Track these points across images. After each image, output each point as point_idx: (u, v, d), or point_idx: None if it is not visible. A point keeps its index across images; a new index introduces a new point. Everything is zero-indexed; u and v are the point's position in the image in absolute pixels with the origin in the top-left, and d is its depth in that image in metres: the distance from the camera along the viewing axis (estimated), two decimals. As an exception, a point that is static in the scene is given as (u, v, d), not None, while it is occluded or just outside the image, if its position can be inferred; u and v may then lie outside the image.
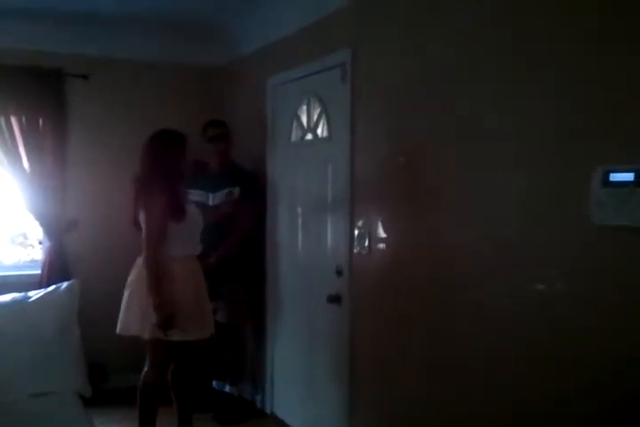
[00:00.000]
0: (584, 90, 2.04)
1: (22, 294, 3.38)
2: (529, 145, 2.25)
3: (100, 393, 3.85)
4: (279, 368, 4.10)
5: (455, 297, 2.58)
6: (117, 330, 3.18)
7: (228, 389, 4.26)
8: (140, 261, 3.18)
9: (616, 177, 1.90)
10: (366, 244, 3.13)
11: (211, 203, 4.01)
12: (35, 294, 3.36)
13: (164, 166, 3.16)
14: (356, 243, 3.20)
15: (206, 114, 4.57)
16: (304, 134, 3.83)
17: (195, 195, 3.94)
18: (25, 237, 4.88)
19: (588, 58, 2.03)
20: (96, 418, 3.30)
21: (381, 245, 3.08)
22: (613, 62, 1.95)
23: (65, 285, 3.46)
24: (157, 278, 3.06)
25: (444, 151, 2.66)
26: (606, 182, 1.92)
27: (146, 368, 3.28)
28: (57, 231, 4.35)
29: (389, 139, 3.00)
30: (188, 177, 3.36)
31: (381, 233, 3.07)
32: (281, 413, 4.08)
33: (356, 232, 3.20)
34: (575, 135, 2.07)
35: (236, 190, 4.04)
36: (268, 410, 4.18)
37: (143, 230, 3.12)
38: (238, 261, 4.12)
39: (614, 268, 1.95)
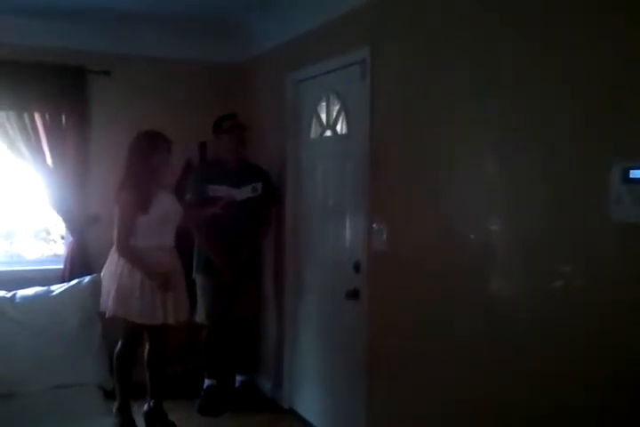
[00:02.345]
0: (605, 87, 2.03)
1: (45, 288, 3.43)
2: (548, 140, 2.24)
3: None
4: (298, 364, 4.12)
5: (473, 292, 2.59)
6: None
7: (238, 378, 4.32)
8: (112, 250, 3.52)
9: (636, 174, 1.90)
10: (384, 239, 3.14)
11: (239, 198, 4.04)
12: (57, 288, 3.40)
13: (136, 164, 3.50)
14: (374, 239, 3.21)
15: (226, 111, 4.59)
16: (323, 131, 3.84)
17: (218, 191, 4.00)
18: (48, 232, 4.94)
19: (609, 56, 2.02)
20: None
21: (399, 241, 3.08)
22: (636, 61, 1.94)
23: (87, 279, 3.50)
24: (136, 258, 3.41)
25: (462, 147, 2.66)
26: (626, 179, 1.92)
27: (119, 344, 3.60)
28: (79, 226, 4.40)
29: (407, 135, 3.01)
30: (165, 176, 3.66)
31: (399, 229, 3.08)
32: (300, 408, 4.11)
33: (375, 228, 3.21)
34: (596, 131, 2.06)
35: (259, 186, 4.09)
36: (286, 405, 4.21)
37: (115, 222, 3.46)
38: (257, 255, 4.20)
39: (633, 264, 1.95)
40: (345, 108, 3.57)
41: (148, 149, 3.56)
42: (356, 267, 3.36)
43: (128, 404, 3.57)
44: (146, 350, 3.72)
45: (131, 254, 3.43)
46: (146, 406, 3.75)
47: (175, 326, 3.63)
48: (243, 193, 4.06)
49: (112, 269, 3.48)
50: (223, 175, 4.07)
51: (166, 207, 3.56)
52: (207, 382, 4.26)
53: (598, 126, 2.06)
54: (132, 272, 3.41)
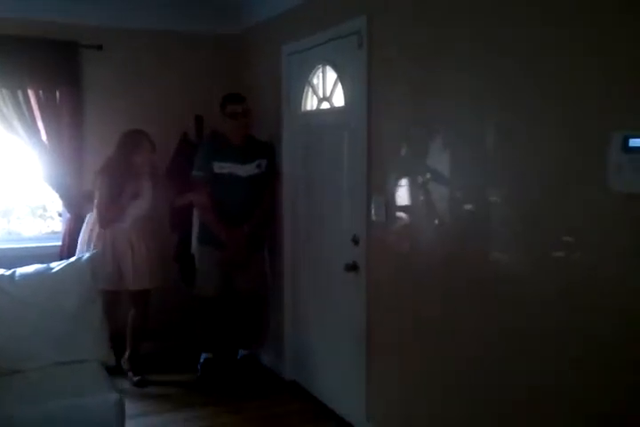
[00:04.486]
0: (604, 57, 2.00)
1: (45, 265, 3.42)
2: (547, 111, 2.22)
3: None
4: (299, 337, 4.15)
5: (473, 265, 2.59)
6: None
7: (240, 352, 4.36)
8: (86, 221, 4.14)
9: (636, 142, 1.88)
10: (384, 212, 3.13)
11: (243, 174, 4.06)
12: (57, 265, 3.39)
13: (116, 160, 4.02)
14: (373, 211, 3.20)
15: (221, 83, 4.57)
16: (319, 102, 3.81)
17: (224, 167, 4.03)
18: (45, 209, 4.93)
19: (610, 28, 1.99)
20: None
21: (399, 213, 3.08)
22: (633, 33, 1.91)
23: (86, 256, 3.50)
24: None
25: (462, 118, 2.63)
26: (626, 148, 1.90)
27: None
28: (75, 203, 4.38)
29: (406, 106, 2.98)
30: (142, 171, 4.06)
31: (399, 201, 3.07)
32: (301, 380, 4.14)
33: (373, 200, 3.20)
34: (595, 101, 2.04)
35: (264, 162, 4.10)
36: (288, 378, 4.24)
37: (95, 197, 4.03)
38: (261, 230, 4.21)
39: (633, 234, 1.94)
40: (341, 79, 3.53)
41: (129, 150, 4.01)
42: (355, 240, 3.36)
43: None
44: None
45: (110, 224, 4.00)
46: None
47: (145, 292, 4.13)
48: (247, 170, 4.06)
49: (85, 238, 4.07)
50: (229, 152, 4.07)
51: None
52: (204, 355, 4.29)
53: (597, 96, 2.03)
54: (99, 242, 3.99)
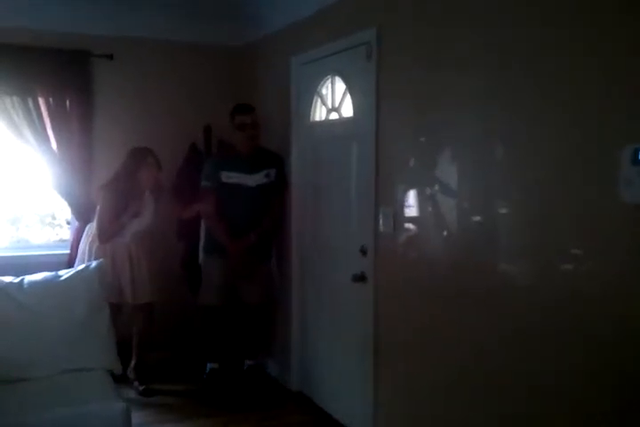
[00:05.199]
0: (614, 68, 2.01)
1: (53, 273, 3.43)
2: (558, 122, 2.22)
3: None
4: (305, 347, 4.14)
5: (481, 275, 2.58)
6: None
7: (246, 363, 4.35)
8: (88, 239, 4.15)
9: (646, 155, 1.88)
10: (391, 222, 3.13)
11: (252, 184, 4.07)
12: (65, 273, 3.40)
13: (122, 176, 4.04)
14: (381, 222, 3.20)
15: (231, 93, 4.59)
16: (328, 113, 3.82)
17: (232, 177, 4.04)
18: (53, 217, 4.95)
19: (618, 39, 2.00)
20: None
21: (407, 224, 3.07)
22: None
23: (94, 264, 3.51)
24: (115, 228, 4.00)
25: (471, 129, 2.63)
26: (636, 160, 1.89)
27: None
28: (84, 211, 4.39)
29: (414, 116, 2.98)
30: (147, 185, 4.10)
31: (406, 211, 3.07)
32: (307, 391, 4.13)
33: (381, 211, 3.20)
34: (606, 113, 2.04)
35: (273, 172, 4.11)
36: (294, 389, 4.22)
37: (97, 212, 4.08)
38: (269, 240, 4.21)
39: (643, 246, 1.94)
40: (350, 90, 3.54)
41: (134, 167, 4.04)
42: (363, 250, 3.36)
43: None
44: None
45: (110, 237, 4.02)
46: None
47: (146, 305, 4.14)
48: (256, 179, 4.07)
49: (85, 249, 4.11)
50: (237, 162, 4.08)
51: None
52: (210, 365, 4.28)
53: (608, 108, 2.03)
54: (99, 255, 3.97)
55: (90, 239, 4.12)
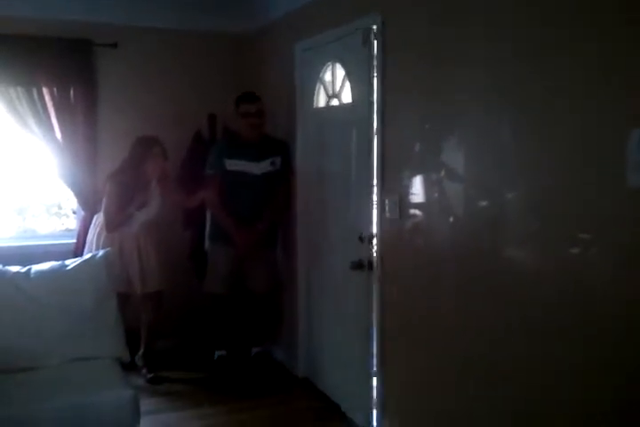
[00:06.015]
0: (622, 52, 1.99)
1: (59, 262, 3.44)
2: (565, 108, 2.20)
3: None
4: (312, 334, 4.15)
5: (487, 261, 2.57)
6: None
7: (253, 349, 4.38)
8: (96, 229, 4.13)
9: (655, 139, 1.86)
10: (397, 209, 3.12)
11: (258, 172, 4.06)
12: (72, 263, 3.41)
13: (128, 167, 4.03)
14: (387, 208, 3.19)
15: (235, 81, 4.57)
16: (329, 100, 3.81)
17: (237, 165, 4.04)
18: (59, 207, 4.96)
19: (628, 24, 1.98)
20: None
21: (413, 211, 3.06)
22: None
23: (100, 253, 3.51)
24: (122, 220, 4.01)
25: (475, 114, 2.62)
26: (644, 145, 1.88)
27: None
28: (90, 201, 4.40)
29: (419, 102, 2.97)
30: (154, 176, 4.07)
31: (412, 198, 3.05)
32: (313, 377, 4.14)
33: (387, 198, 3.19)
34: (613, 98, 2.02)
35: (278, 160, 4.10)
36: (301, 375, 4.24)
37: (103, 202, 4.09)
38: (274, 228, 4.21)
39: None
40: (350, 76, 3.52)
41: (140, 157, 4.02)
42: (363, 238, 3.34)
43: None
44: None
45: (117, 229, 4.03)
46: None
47: (155, 294, 4.14)
48: (261, 167, 4.07)
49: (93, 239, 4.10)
50: (242, 150, 4.08)
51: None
52: (217, 352, 4.30)
53: (615, 93, 2.01)
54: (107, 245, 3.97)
55: (98, 229, 4.11)
